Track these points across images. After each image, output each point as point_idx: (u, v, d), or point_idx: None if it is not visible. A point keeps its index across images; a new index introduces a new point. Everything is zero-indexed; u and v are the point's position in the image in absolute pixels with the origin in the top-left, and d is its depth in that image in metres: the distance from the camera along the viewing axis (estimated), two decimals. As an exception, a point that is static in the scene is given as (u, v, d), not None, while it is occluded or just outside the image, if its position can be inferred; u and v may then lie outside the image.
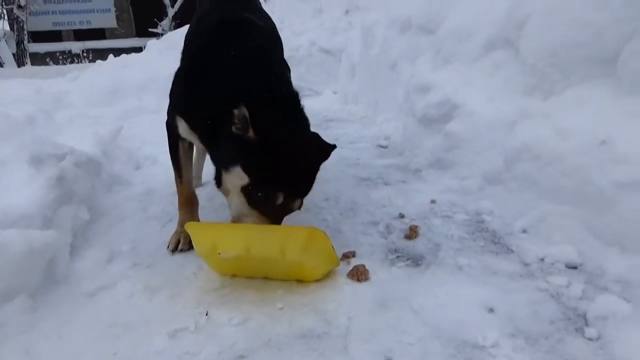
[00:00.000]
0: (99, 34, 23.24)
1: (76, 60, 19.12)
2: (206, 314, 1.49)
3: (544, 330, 1.35)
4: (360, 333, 1.38)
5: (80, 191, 2.16)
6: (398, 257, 1.82)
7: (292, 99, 1.77)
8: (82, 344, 1.40)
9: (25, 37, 18.20)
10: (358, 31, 5.45)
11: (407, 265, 1.76)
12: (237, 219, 1.68)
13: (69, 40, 22.78)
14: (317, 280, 1.65)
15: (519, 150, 2.14)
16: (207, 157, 2.74)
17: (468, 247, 1.86)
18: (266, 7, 3.24)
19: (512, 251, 1.82)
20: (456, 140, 2.56)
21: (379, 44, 4.46)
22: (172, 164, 2.09)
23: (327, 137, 1.96)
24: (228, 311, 1.50)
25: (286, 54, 2.48)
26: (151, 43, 7.85)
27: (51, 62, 18.33)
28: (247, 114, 1.54)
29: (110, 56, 7.07)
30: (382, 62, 4.24)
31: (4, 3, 17.71)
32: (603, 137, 1.77)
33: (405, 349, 1.30)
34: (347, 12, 8.31)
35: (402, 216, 2.18)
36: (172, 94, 1.99)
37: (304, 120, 1.77)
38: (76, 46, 21.17)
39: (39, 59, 19.34)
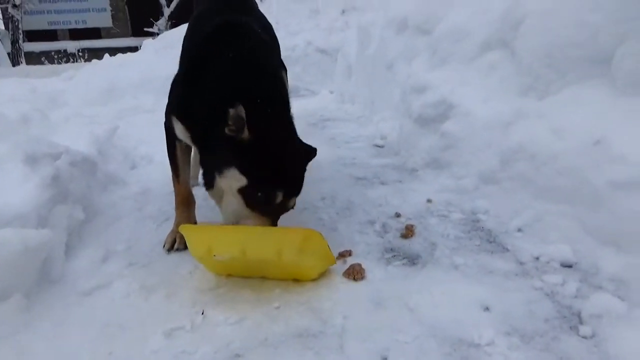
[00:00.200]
0: (94, 33, 23.17)
1: (72, 60, 19.04)
2: (202, 313, 1.49)
3: (539, 329, 1.36)
4: (356, 332, 1.38)
5: (75, 190, 2.15)
6: (394, 256, 1.82)
7: (282, 102, 1.80)
8: (78, 343, 1.39)
9: (20, 36, 18.13)
10: (354, 31, 5.45)
11: (403, 264, 1.76)
12: (234, 222, 1.68)
13: (64, 39, 22.70)
14: (313, 280, 1.65)
15: (515, 150, 2.14)
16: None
17: (464, 246, 1.87)
18: (262, 7, 3.24)
19: (508, 250, 1.82)
20: (452, 140, 2.56)
21: (376, 44, 4.46)
22: (170, 164, 2.09)
23: (323, 136, 1.97)
24: (224, 310, 1.50)
25: (282, 54, 2.48)
26: (147, 42, 7.84)
27: (46, 62, 18.26)
28: (243, 113, 1.55)
29: (106, 55, 7.06)
30: (379, 62, 4.25)
31: (-2, 2, 17.65)
32: (598, 137, 1.78)
33: (401, 347, 1.31)
34: (343, 12, 8.33)
35: (398, 215, 2.18)
36: (171, 95, 2.01)
37: (292, 123, 1.81)
38: (72, 45, 21.10)
39: (34, 59, 19.27)
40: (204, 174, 1.76)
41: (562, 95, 2.09)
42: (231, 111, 1.55)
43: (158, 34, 12.79)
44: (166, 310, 1.53)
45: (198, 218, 2.11)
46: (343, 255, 1.81)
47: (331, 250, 1.67)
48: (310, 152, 1.82)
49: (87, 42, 21.31)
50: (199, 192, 2.54)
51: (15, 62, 17.09)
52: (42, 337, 1.43)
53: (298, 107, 1.87)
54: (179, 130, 1.91)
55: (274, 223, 1.69)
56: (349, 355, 1.30)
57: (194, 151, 2.32)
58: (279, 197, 1.64)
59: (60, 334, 1.44)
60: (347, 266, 1.70)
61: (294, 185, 1.72)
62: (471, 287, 1.57)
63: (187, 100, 1.85)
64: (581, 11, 2.03)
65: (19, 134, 2.09)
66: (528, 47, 2.30)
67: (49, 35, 22.67)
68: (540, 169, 1.99)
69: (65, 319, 1.51)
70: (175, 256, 1.91)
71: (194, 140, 1.87)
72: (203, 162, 1.81)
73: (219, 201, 1.74)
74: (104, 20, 23.43)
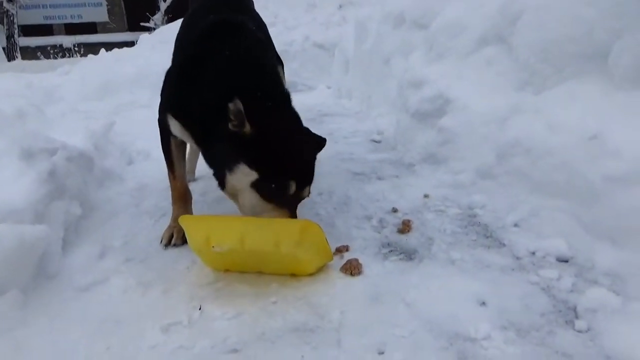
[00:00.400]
0: (90, 28, 23.03)
1: (67, 55, 18.93)
2: (199, 309, 1.50)
3: (535, 323, 1.37)
4: (353, 327, 1.39)
5: (72, 186, 2.14)
6: (391, 251, 1.83)
7: (283, 96, 1.80)
8: (75, 339, 1.39)
9: (16, 31, 18.02)
10: (352, 26, 5.44)
11: (400, 259, 1.77)
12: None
13: (60, 34, 22.56)
14: (311, 275, 1.65)
15: (511, 144, 2.15)
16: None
17: (460, 241, 1.87)
18: (259, 1, 3.22)
19: (504, 245, 1.83)
20: (449, 135, 2.57)
21: (373, 39, 4.45)
22: (165, 160, 2.09)
23: (321, 131, 1.97)
24: (221, 305, 1.51)
25: (279, 49, 2.48)
26: (143, 37, 7.82)
27: (42, 57, 18.13)
28: (241, 107, 1.55)
29: (102, 50, 7.03)
30: (376, 56, 4.24)
31: (-7, -4, 17.52)
32: (594, 131, 1.79)
33: (398, 342, 1.31)
34: (340, 6, 8.30)
35: (395, 210, 2.19)
36: (164, 92, 1.99)
37: (296, 115, 1.82)
38: (67, 40, 20.98)
39: (29, 53, 19.14)
40: (215, 174, 1.75)
41: (558, 90, 2.09)
42: (230, 106, 1.55)
43: (154, 29, 12.75)
44: (163, 306, 1.54)
45: (195, 213, 2.11)
46: (340, 250, 1.81)
47: (329, 245, 1.67)
48: (320, 142, 1.85)
49: (83, 37, 21.18)
50: (196, 187, 2.54)
51: (10, 57, 16.99)
52: (39, 333, 1.43)
53: (296, 103, 1.88)
54: (176, 128, 1.91)
55: (293, 214, 1.70)
56: (346, 349, 1.30)
57: (189, 146, 2.32)
58: (292, 187, 1.65)
59: (57, 329, 1.44)
60: (344, 261, 1.71)
61: (305, 174, 1.73)
62: (468, 282, 1.57)
63: (184, 98, 1.83)
64: (577, 6, 2.03)
65: (15, 129, 2.08)
66: (525, 42, 2.30)
67: (45, 29, 22.52)
68: (536, 163, 2.00)
69: (62, 315, 1.51)
70: (172, 252, 1.91)
71: (195, 138, 1.86)
72: (209, 161, 1.80)
73: (235, 198, 1.74)
74: (100, 14, 23.28)
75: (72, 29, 22.62)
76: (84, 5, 23.04)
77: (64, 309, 1.54)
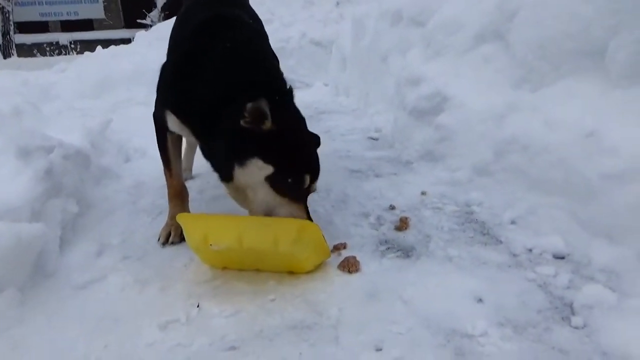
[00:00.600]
0: (86, 25, 22.95)
1: (63, 52, 18.87)
2: (197, 306, 1.50)
3: (532, 319, 1.37)
4: (350, 324, 1.39)
5: (69, 184, 2.14)
6: (388, 248, 1.83)
7: (288, 91, 1.82)
8: (73, 337, 1.39)
9: (11, 28, 17.92)
10: (349, 23, 5.43)
11: (397, 256, 1.77)
12: (266, 212, 1.68)
13: (56, 31, 22.47)
14: (308, 272, 1.65)
15: (508, 142, 2.15)
16: (197, 149, 2.74)
17: (458, 238, 1.88)
18: (256, -2, 3.21)
19: (501, 242, 1.84)
20: (446, 132, 2.57)
21: (370, 36, 4.45)
22: (161, 157, 2.08)
23: (318, 129, 1.98)
24: (219, 303, 1.51)
25: (276, 46, 2.47)
26: (140, 34, 7.78)
27: (38, 54, 18.08)
28: (266, 107, 1.56)
29: (99, 48, 6.99)
30: (373, 54, 4.23)
31: (-12, -7, 17.41)
32: (591, 129, 1.79)
33: (395, 338, 1.32)
34: (337, 3, 8.29)
35: (392, 208, 2.19)
36: (160, 88, 1.97)
37: (300, 114, 1.85)
38: (63, 37, 20.89)
39: (25, 51, 19.06)
40: (217, 167, 1.76)
41: (555, 87, 2.09)
42: (249, 105, 1.55)
43: (151, 26, 12.70)
44: (161, 303, 1.54)
45: (191, 211, 2.11)
46: (338, 247, 1.81)
47: (327, 242, 1.68)
48: (317, 140, 1.90)
49: (79, 34, 21.11)
50: (193, 185, 2.54)
51: (6, 54, 16.91)
52: (37, 331, 1.43)
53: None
54: (174, 123, 1.90)
55: (306, 208, 1.72)
56: (343, 346, 1.30)
57: (185, 143, 2.31)
58: (307, 181, 1.69)
59: (55, 327, 1.44)
60: (341, 259, 1.71)
61: (316, 168, 1.77)
62: (465, 279, 1.58)
63: (183, 93, 1.82)
64: (573, 3, 2.03)
65: (11, 127, 2.07)
66: (522, 39, 2.30)
67: (41, 26, 22.43)
68: (533, 161, 2.00)
69: (59, 313, 1.51)
70: (169, 249, 1.90)
71: (195, 133, 1.85)
72: (210, 155, 1.80)
73: (238, 194, 1.74)
74: (96, 11, 23.19)
75: (68, 26, 22.54)
76: (80, 2, 22.94)
77: (61, 307, 1.54)
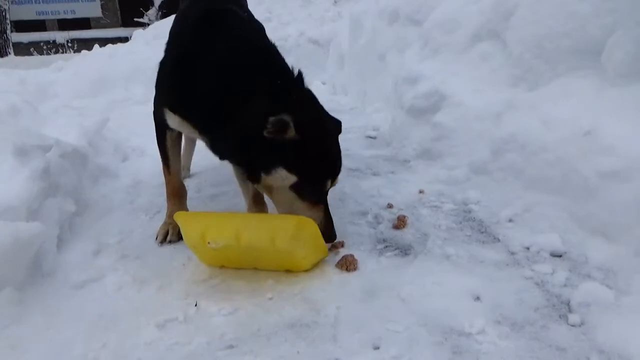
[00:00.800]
0: (83, 23, 22.89)
1: (61, 51, 18.81)
2: (195, 305, 1.50)
3: (529, 317, 1.38)
4: (348, 322, 1.39)
5: (66, 183, 2.13)
6: (386, 247, 1.84)
7: (301, 82, 1.78)
8: (71, 336, 1.39)
9: (8, 27, 17.86)
10: (346, 22, 5.42)
11: (395, 255, 1.77)
12: (291, 214, 1.70)
13: (53, 29, 22.41)
14: (306, 271, 1.65)
15: (505, 140, 2.16)
16: (196, 147, 2.74)
17: (455, 237, 1.88)
18: (254, -3, 3.20)
19: (499, 240, 1.84)
20: (444, 131, 2.57)
21: (368, 35, 4.45)
22: (160, 155, 2.07)
23: (316, 128, 1.96)
24: (217, 302, 1.51)
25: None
26: (137, 33, 7.76)
27: (35, 52, 18.02)
28: (289, 119, 1.54)
29: (96, 46, 6.98)
30: (371, 52, 4.23)
31: (-15, -8, 17.34)
32: (587, 127, 1.80)
33: (393, 337, 1.32)
34: (335, 2, 8.29)
35: (390, 206, 2.19)
36: (159, 86, 1.96)
37: (314, 97, 1.82)
38: (61, 36, 20.83)
39: (22, 49, 19.00)
40: (244, 168, 1.74)
41: (552, 86, 2.10)
42: (272, 119, 1.53)
43: (148, 25, 12.64)
44: (159, 302, 1.54)
45: (190, 209, 2.10)
46: (336, 246, 1.82)
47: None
48: (339, 125, 1.89)
49: (76, 33, 21.04)
50: (191, 183, 2.54)
51: (3, 53, 16.85)
52: (35, 330, 1.42)
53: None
54: (174, 121, 1.87)
55: (326, 207, 1.75)
56: (341, 344, 1.31)
57: (184, 142, 2.30)
58: (329, 184, 1.72)
59: (53, 326, 1.44)
60: (339, 257, 1.71)
61: (339, 167, 1.78)
62: (462, 277, 1.58)
63: (184, 89, 1.79)
64: (570, 2, 2.04)
65: (8, 125, 2.07)
66: (519, 37, 2.31)
67: (38, 25, 22.36)
68: (530, 159, 2.01)
69: (57, 312, 1.51)
70: (167, 248, 1.90)
71: (200, 130, 1.82)
72: (217, 150, 1.80)
73: (268, 193, 1.77)
74: (94, 10, 23.13)
75: (65, 24, 22.47)
76: (77, 0, 22.87)
77: (59, 306, 1.54)
